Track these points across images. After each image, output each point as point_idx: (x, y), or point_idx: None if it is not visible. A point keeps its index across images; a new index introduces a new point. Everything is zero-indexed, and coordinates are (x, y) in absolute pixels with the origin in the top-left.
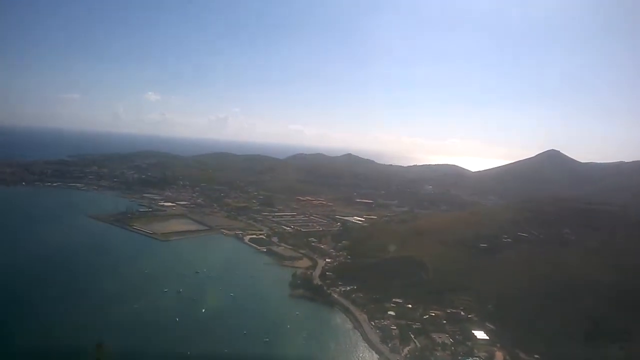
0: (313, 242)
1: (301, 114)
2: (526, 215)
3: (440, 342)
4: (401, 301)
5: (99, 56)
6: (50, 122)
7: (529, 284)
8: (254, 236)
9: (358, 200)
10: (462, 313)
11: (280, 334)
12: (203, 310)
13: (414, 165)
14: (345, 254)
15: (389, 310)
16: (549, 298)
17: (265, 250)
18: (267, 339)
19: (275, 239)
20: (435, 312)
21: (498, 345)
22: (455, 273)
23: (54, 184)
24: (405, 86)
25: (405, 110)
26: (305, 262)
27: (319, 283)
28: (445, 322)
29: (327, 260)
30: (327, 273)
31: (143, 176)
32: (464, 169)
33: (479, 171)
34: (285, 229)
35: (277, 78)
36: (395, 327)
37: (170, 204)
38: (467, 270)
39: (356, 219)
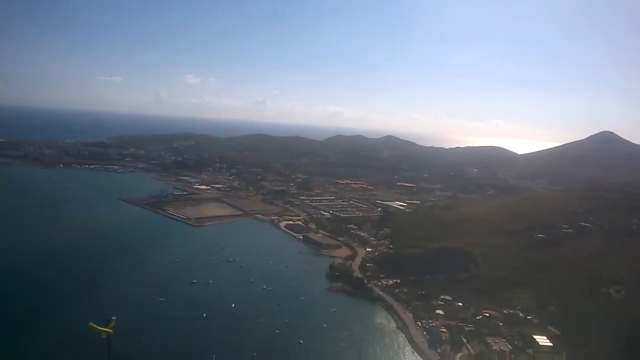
0: (352, 229)
1: (340, 95)
2: (587, 202)
3: (496, 348)
4: (450, 298)
5: (140, 39)
6: (93, 104)
7: (595, 281)
8: (291, 222)
9: (399, 184)
10: (520, 314)
11: (317, 334)
12: (233, 305)
13: (456, 147)
14: (387, 242)
15: (436, 309)
16: (619, 297)
17: (301, 237)
18: (302, 341)
19: (312, 225)
20: (490, 312)
21: (564, 353)
22: (510, 267)
23: (91, 166)
24: (444, 66)
25: (444, 90)
26: (344, 251)
27: (359, 275)
28: (501, 324)
29: (367, 249)
30: (367, 264)
31: (180, 158)
32: (509, 151)
33: (526, 154)
34: (323, 214)
35: (316, 60)
36: (444, 329)
37: (205, 187)
38: (524, 264)
39: (398, 204)
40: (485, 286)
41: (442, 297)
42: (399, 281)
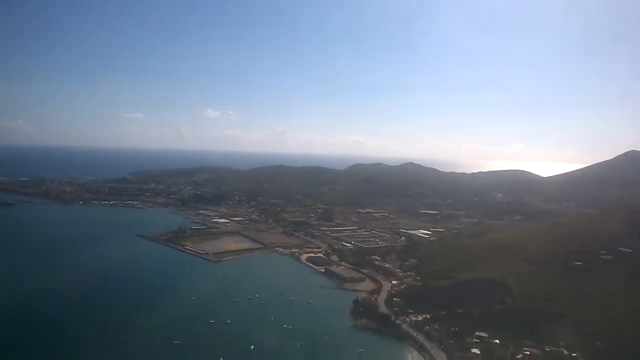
0: (376, 260)
1: (360, 124)
2: (624, 226)
3: None
4: (486, 335)
5: (160, 75)
6: (116, 141)
7: None
8: (312, 254)
9: (422, 211)
10: (564, 352)
11: None
12: (252, 347)
13: (478, 172)
14: (413, 274)
15: (472, 348)
16: None
17: (323, 270)
18: None
19: (334, 257)
20: (530, 349)
21: None
22: (548, 298)
23: (110, 202)
24: (463, 90)
25: (464, 116)
26: (368, 285)
27: (386, 311)
28: None
29: (393, 282)
30: (394, 298)
31: (199, 192)
32: (533, 174)
33: (551, 176)
34: (345, 245)
35: (335, 89)
36: None
37: (224, 220)
38: (563, 295)
39: (422, 232)
40: (523, 320)
41: (477, 333)
42: (428, 317)
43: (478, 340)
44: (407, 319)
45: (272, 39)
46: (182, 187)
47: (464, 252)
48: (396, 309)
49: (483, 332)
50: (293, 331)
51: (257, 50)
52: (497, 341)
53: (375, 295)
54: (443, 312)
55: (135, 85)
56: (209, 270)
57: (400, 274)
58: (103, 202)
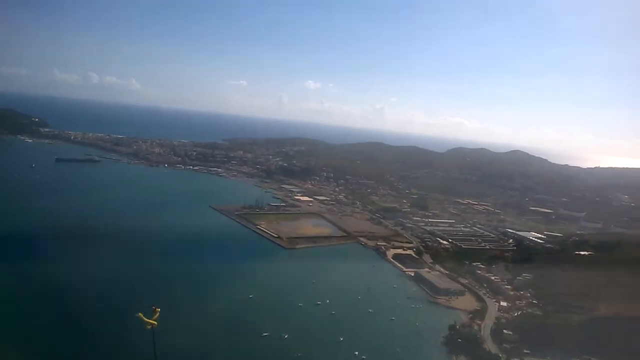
0: (479, 268)
1: (462, 105)
2: None
3: None
4: None
5: (265, 44)
6: (220, 107)
7: None
8: (400, 250)
9: (532, 208)
10: None
11: None
12: None
13: (596, 167)
14: (528, 295)
15: None
16: None
17: (412, 274)
18: None
19: (427, 258)
20: None
21: None
22: None
23: (195, 168)
24: (581, 74)
25: (579, 102)
26: (468, 301)
27: (492, 349)
28: None
29: (501, 302)
30: (504, 330)
31: (286, 164)
32: None
33: None
34: (440, 242)
35: (437, 68)
36: None
37: (307, 198)
38: None
39: (534, 235)
40: None
41: None
42: None
43: None
44: None
45: (375, 13)
46: (270, 157)
47: (596, 272)
48: (507, 346)
49: None
50: None
51: (359, 24)
52: None
53: (479, 321)
54: None
55: (241, 53)
56: (278, 258)
57: (511, 293)
58: (188, 167)
